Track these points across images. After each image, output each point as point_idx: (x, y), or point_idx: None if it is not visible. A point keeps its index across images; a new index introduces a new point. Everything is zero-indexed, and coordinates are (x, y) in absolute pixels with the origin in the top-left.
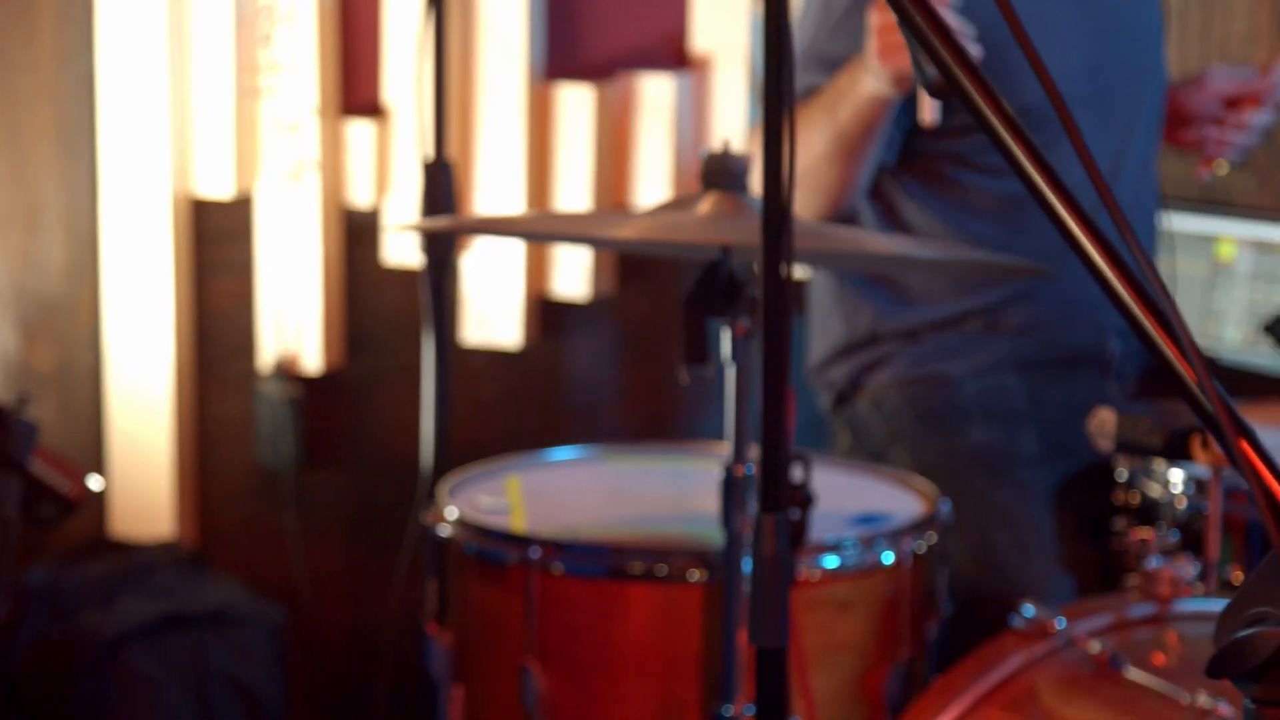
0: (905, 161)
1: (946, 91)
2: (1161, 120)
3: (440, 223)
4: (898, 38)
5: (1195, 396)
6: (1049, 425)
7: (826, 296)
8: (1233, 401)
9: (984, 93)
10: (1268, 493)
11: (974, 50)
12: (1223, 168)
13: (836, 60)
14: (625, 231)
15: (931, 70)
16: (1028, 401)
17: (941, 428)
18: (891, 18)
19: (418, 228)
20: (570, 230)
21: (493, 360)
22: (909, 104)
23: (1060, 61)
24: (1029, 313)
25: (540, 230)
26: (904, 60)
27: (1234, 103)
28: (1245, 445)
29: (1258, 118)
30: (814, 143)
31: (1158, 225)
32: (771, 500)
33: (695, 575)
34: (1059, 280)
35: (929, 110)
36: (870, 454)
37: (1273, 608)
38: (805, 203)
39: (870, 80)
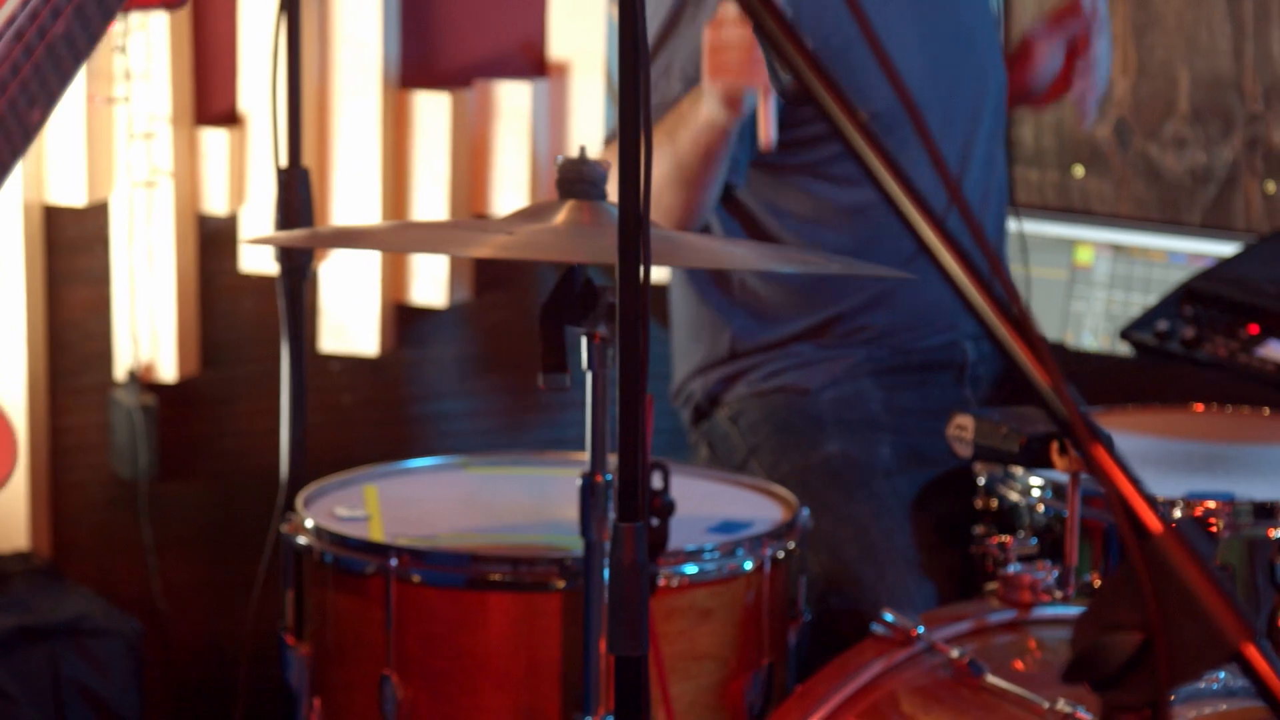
0: (755, 175)
1: (801, 97)
2: (1003, 118)
3: (295, 235)
4: (730, 57)
5: (1050, 403)
6: (907, 432)
7: (686, 321)
8: (1089, 407)
9: (837, 98)
10: (1123, 499)
11: None
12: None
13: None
14: (483, 249)
15: (787, 76)
16: (884, 409)
17: (797, 439)
18: (724, 37)
19: (272, 241)
20: (427, 243)
21: (350, 368)
22: (756, 125)
23: (900, 66)
24: (884, 319)
25: (396, 242)
26: (735, 81)
27: (1070, 49)
28: (1101, 452)
29: (1099, 46)
30: (655, 167)
31: (1004, 224)
32: (630, 508)
33: (554, 584)
34: (913, 286)
35: (766, 131)
36: (729, 467)
37: (1128, 613)
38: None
39: (706, 104)
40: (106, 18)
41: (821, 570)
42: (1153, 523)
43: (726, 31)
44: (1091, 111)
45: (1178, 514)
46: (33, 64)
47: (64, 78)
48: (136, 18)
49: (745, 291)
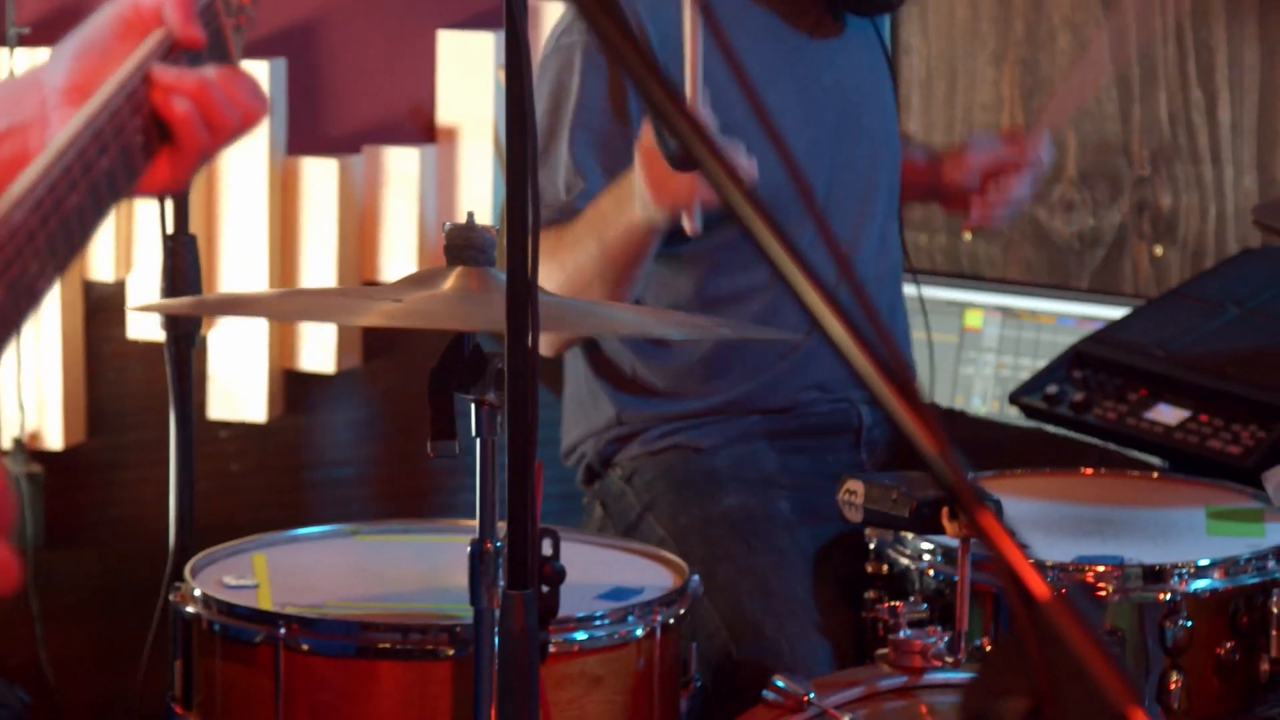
0: (652, 267)
1: (687, 163)
2: (897, 194)
3: (182, 303)
4: (673, 184)
5: (937, 469)
6: (804, 490)
7: (575, 391)
8: (978, 472)
9: (723, 166)
10: (1010, 567)
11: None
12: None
13: (590, 174)
14: (371, 317)
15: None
16: (780, 469)
17: (695, 494)
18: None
19: (159, 308)
20: (315, 311)
21: (239, 435)
22: None
23: (794, 140)
24: (775, 400)
25: (284, 310)
26: (679, 199)
27: (995, 171)
28: (988, 518)
29: (1022, 187)
30: (582, 265)
31: (900, 295)
32: (519, 575)
33: (445, 652)
34: (803, 366)
35: (691, 220)
36: (623, 526)
37: (1017, 680)
38: None
39: (640, 208)
40: (116, 196)
41: (722, 621)
42: (1040, 590)
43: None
44: (978, 230)
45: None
46: (47, 234)
47: (72, 250)
48: None
49: (634, 374)
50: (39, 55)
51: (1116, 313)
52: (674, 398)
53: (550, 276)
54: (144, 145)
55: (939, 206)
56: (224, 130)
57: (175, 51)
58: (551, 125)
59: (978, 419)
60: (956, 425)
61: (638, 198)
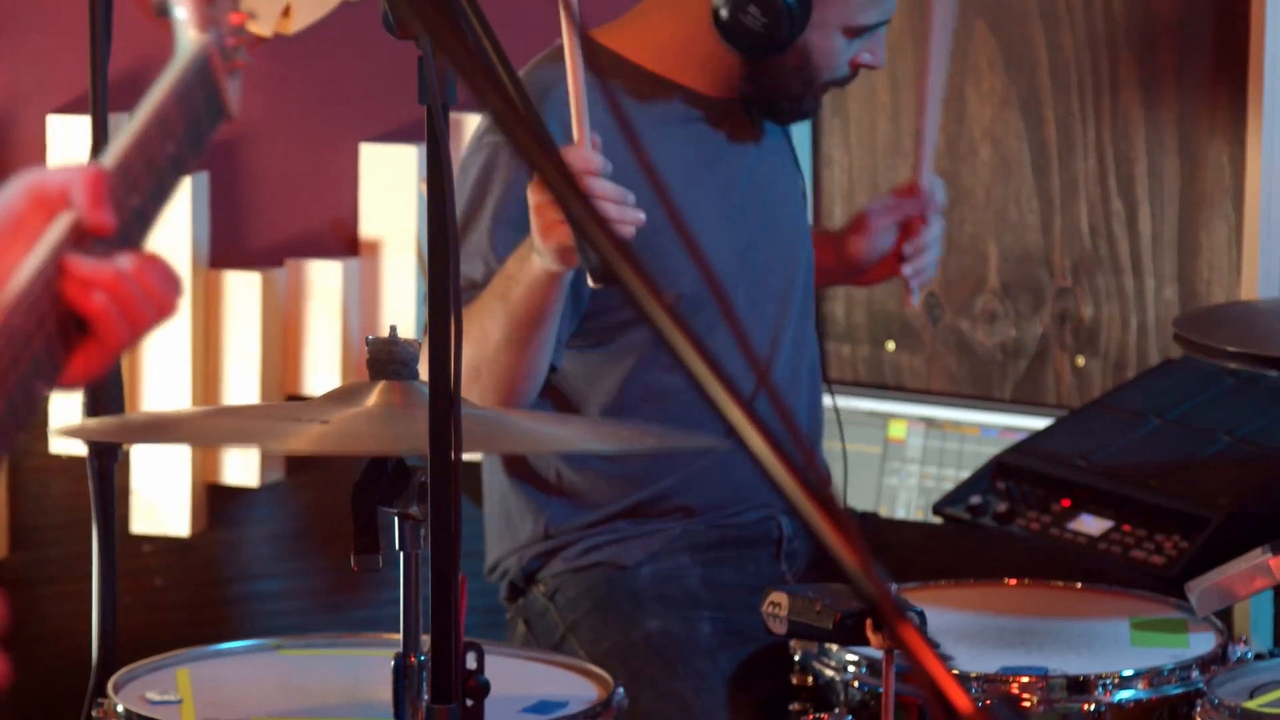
0: (570, 360)
1: (607, 278)
2: (811, 297)
3: (105, 426)
4: (557, 214)
5: (858, 583)
6: (726, 608)
7: (499, 503)
8: (902, 584)
9: (643, 280)
10: (932, 681)
11: (630, 222)
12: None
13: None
14: (298, 442)
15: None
16: (703, 585)
17: (617, 616)
18: (549, 195)
19: (81, 432)
20: (240, 435)
21: (162, 549)
22: (572, 303)
23: (709, 248)
24: (698, 498)
25: (209, 434)
26: (566, 235)
27: (904, 228)
28: (910, 631)
29: (932, 231)
30: (489, 330)
31: (819, 398)
32: (444, 690)
33: None
34: (725, 466)
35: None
36: (546, 645)
37: None
38: (485, 395)
39: (538, 258)
40: (34, 399)
41: None
42: (963, 702)
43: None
44: (915, 293)
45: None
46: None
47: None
48: None
49: (560, 481)
50: None
51: (1039, 423)
52: (600, 503)
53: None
54: (63, 339)
55: (858, 283)
56: (140, 324)
57: (87, 237)
58: (471, 214)
59: (900, 523)
60: (878, 529)
61: (535, 248)
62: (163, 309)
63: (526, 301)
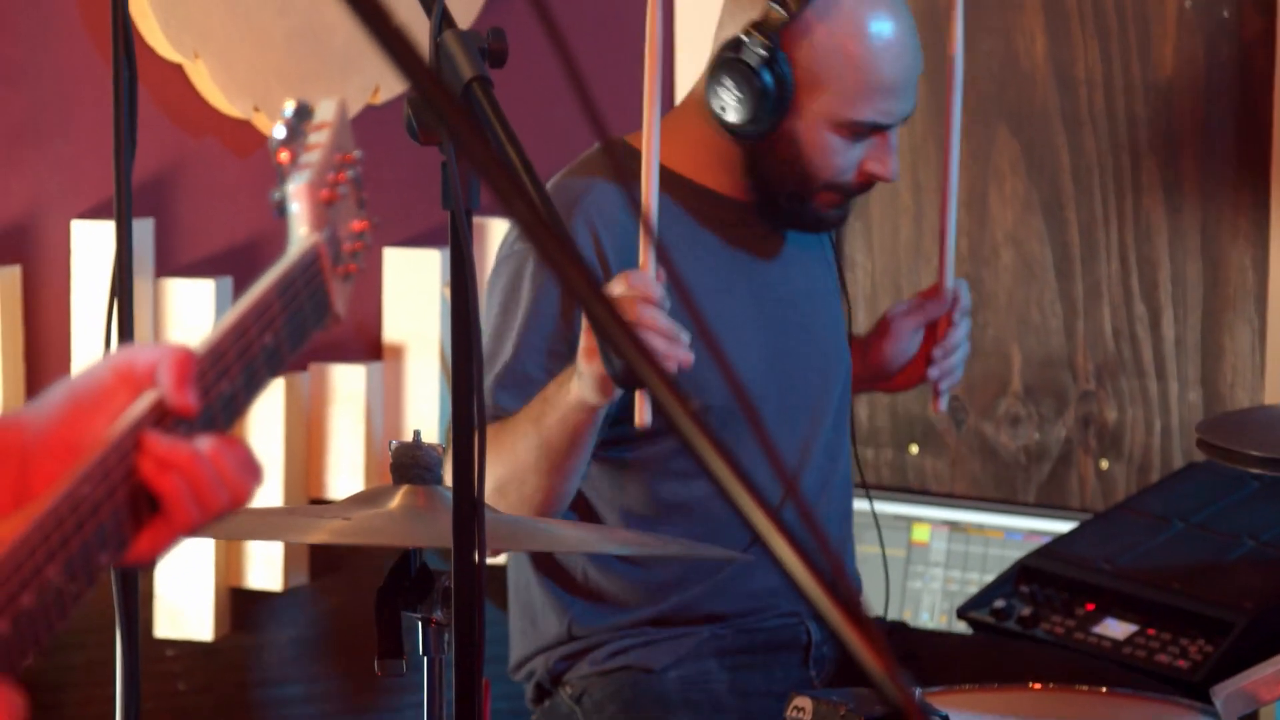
0: (596, 471)
1: (632, 382)
2: (848, 405)
3: None
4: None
5: (883, 689)
6: (752, 713)
7: (524, 604)
8: (925, 689)
9: (668, 387)
10: None
11: (678, 360)
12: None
13: (535, 381)
14: (319, 535)
15: (619, 363)
16: (730, 690)
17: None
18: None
19: None
20: (262, 530)
21: (185, 653)
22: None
23: (742, 358)
24: (725, 605)
25: (231, 530)
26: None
27: (930, 332)
28: None
29: (958, 334)
30: (520, 452)
31: (849, 508)
32: None
33: None
34: (752, 575)
35: (642, 411)
36: None
37: None
38: (511, 512)
39: (577, 385)
40: (94, 569)
41: None
42: None
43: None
44: (944, 396)
45: None
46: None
47: (50, 626)
48: None
49: (586, 583)
50: None
51: (1063, 526)
52: (626, 607)
53: (489, 471)
54: (132, 514)
55: (885, 389)
56: (211, 508)
57: (169, 416)
58: (500, 329)
59: (925, 632)
60: (905, 639)
61: (578, 371)
62: (237, 496)
63: (561, 429)
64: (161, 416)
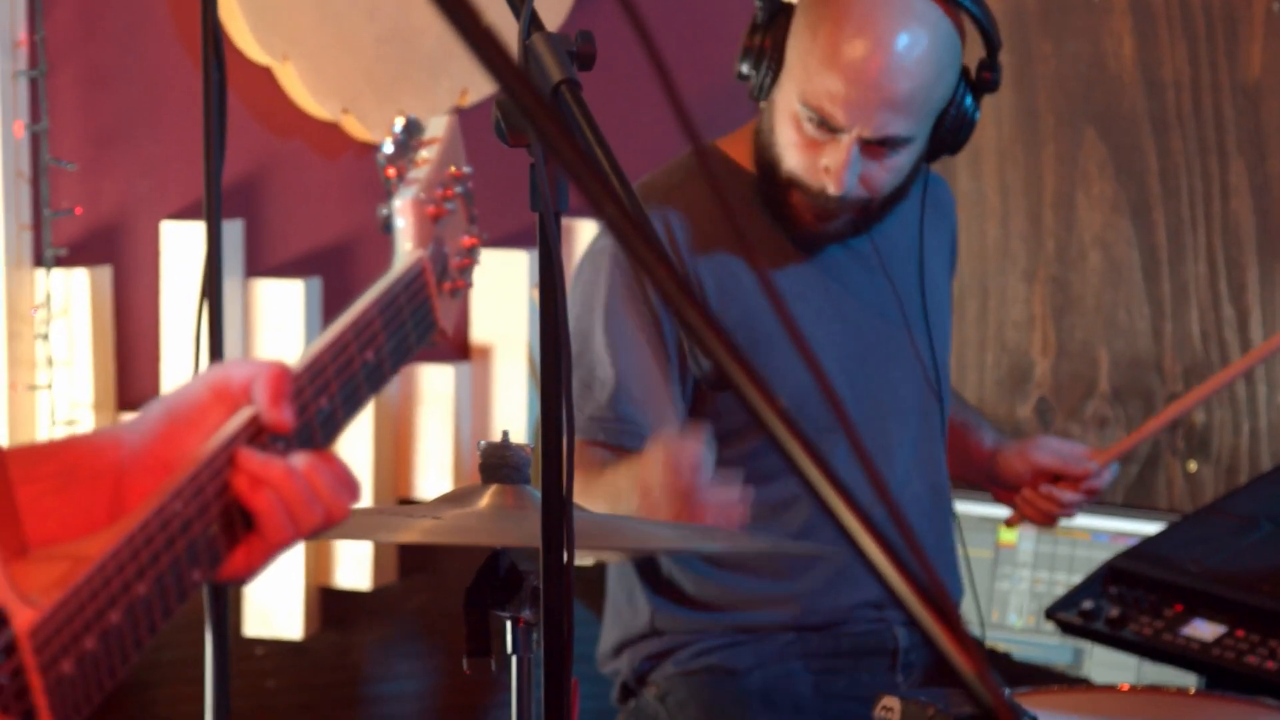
0: None
1: (719, 384)
2: (936, 409)
3: None
4: (658, 507)
5: (974, 689)
6: (834, 717)
7: (618, 585)
8: (1014, 690)
9: (756, 385)
10: None
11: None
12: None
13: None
14: (409, 534)
15: (706, 363)
16: (814, 692)
17: None
18: (649, 483)
19: None
20: (353, 530)
21: (275, 652)
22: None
23: (825, 359)
24: (814, 616)
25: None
26: (667, 518)
27: (1054, 476)
28: None
29: (1070, 498)
30: (597, 508)
31: (949, 515)
32: None
33: None
34: (840, 588)
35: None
36: None
37: None
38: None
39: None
40: (186, 586)
41: None
42: None
43: (655, 483)
44: (1018, 524)
45: None
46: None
47: (139, 642)
48: (59, 304)
49: (670, 581)
50: (76, 276)
51: (1151, 528)
52: (708, 609)
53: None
54: (226, 531)
55: (983, 487)
56: (305, 525)
57: (265, 433)
58: (584, 329)
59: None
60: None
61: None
62: (332, 513)
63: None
64: (257, 433)
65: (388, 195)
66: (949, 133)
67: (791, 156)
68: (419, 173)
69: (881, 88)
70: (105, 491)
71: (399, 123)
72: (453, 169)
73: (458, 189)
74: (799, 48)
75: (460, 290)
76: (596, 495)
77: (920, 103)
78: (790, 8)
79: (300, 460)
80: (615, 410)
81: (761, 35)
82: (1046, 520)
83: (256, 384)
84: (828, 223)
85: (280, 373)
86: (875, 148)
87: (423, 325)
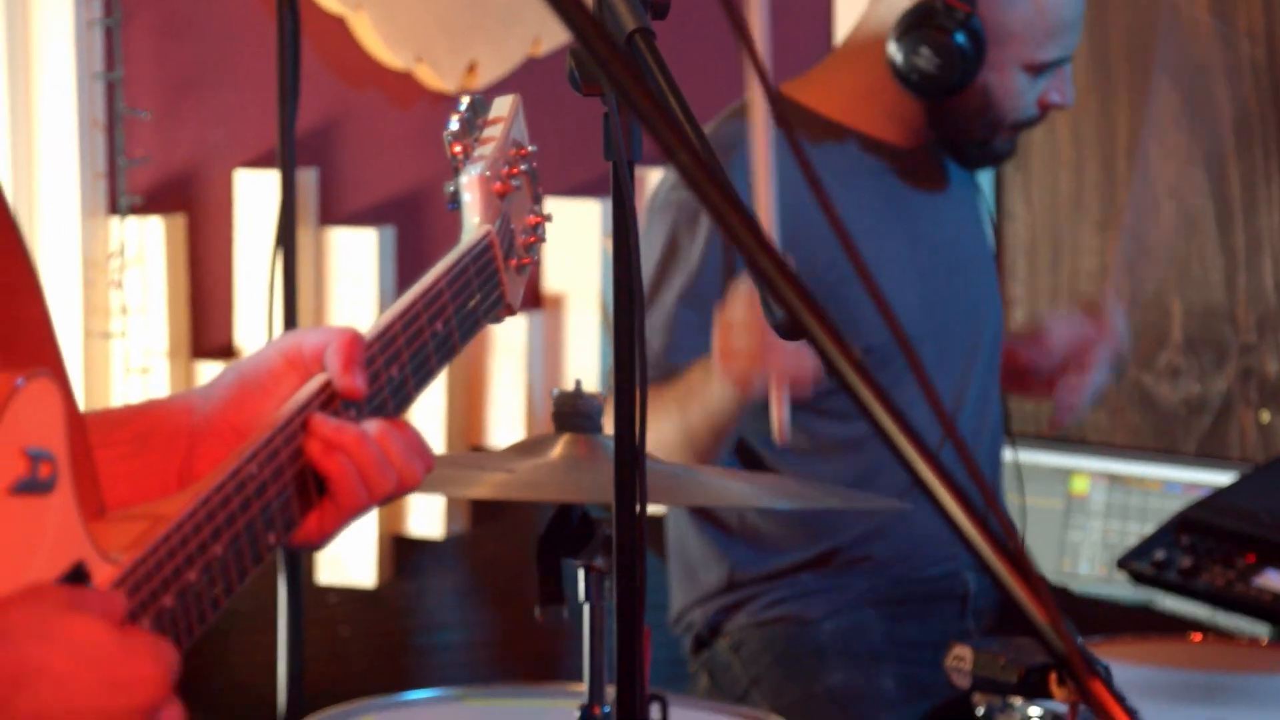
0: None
1: (794, 332)
2: (999, 351)
3: None
4: (736, 342)
5: (1046, 637)
6: (907, 663)
7: (682, 552)
8: (1085, 639)
9: (830, 334)
10: None
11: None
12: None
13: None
14: (482, 489)
15: (780, 312)
16: (886, 640)
17: (800, 670)
18: (734, 324)
19: None
20: (426, 483)
21: (348, 599)
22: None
23: (897, 300)
24: (883, 550)
25: None
26: (748, 370)
27: (1076, 351)
28: (1097, 685)
29: (1100, 365)
30: (664, 432)
31: (1000, 455)
32: None
33: None
34: (911, 518)
35: (781, 427)
36: (730, 698)
37: None
38: None
39: (718, 386)
40: (261, 548)
41: None
42: None
43: (736, 319)
44: (1066, 419)
45: None
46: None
47: (216, 604)
48: (133, 252)
49: (744, 525)
50: (150, 224)
51: (1223, 478)
52: (785, 548)
53: None
54: (300, 495)
55: (1019, 391)
56: (379, 491)
57: (338, 399)
58: (659, 279)
59: (1083, 596)
60: (1063, 599)
61: (717, 377)
62: (404, 480)
63: (703, 422)
64: (330, 399)
65: (454, 172)
66: None
67: (1019, 105)
68: (484, 150)
69: (1079, 8)
70: (177, 457)
71: (464, 101)
72: (517, 148)
73: (522, 167)
74: (1014, 22)
75: (526, 267)
76: (664, 408)
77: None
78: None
79: (373, 426)
80: (668, 360)
81: (951, 39)
82: (1087, 394)
83: (329, 351)
84: (1011, 143)
85: (353, 340)
86: None
87: (490, 299)
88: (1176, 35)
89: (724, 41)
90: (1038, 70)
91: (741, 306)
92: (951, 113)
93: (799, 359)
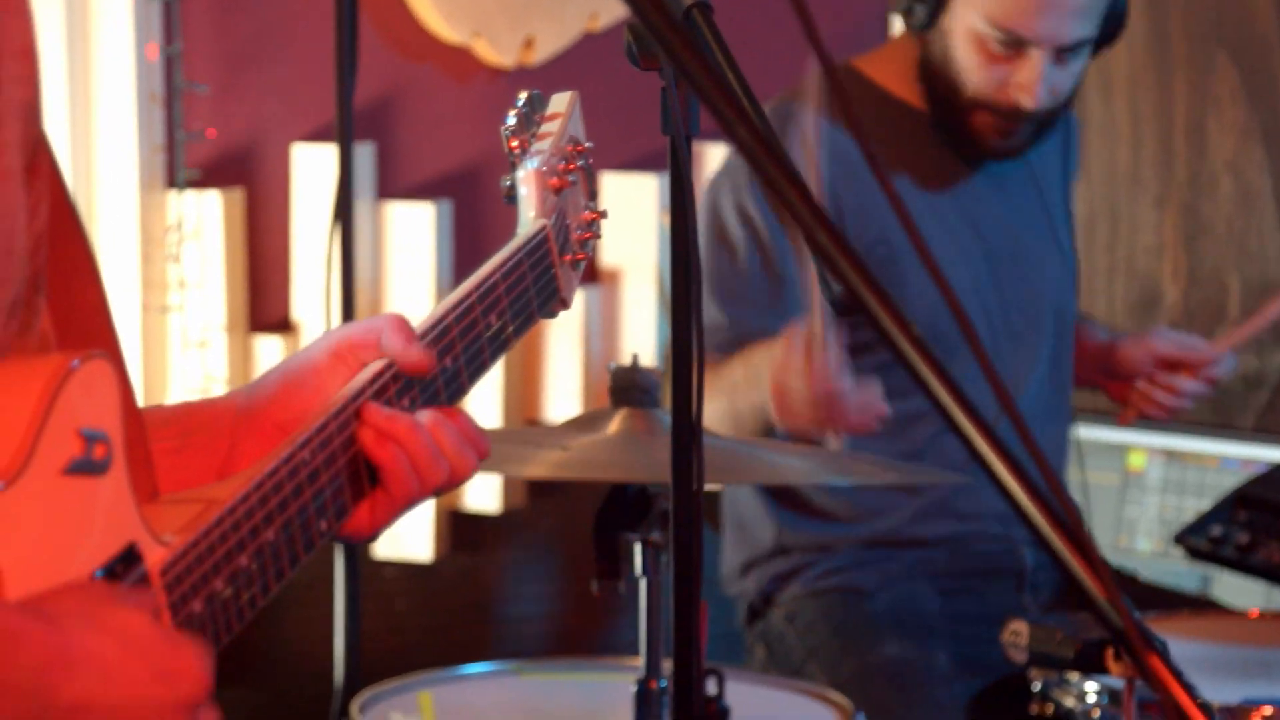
0: None
1: (851, 308)
2: (1067, 341)
3: None
4: (794, 405)
5: (1104, 612)
6: (962, 638)
7: (735, 504)
8: (1143, 615)
9: (888, 309)
10: (1178, 708)
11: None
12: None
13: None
14: (539, 468)
15: (838, 287)
16: (941, 613)
17: (855, 642)
18: (784, 384)
19: None
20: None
21: (405, 574)
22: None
23: (952, 280)
24: (937, 529)
25: None
26: (799, 426)
27: (1171, 365)
28: (1155, 660)
29: (1189, 386)
30: (711, 412)
31: (1066, 441)
32: (684, 714)
33: None
34: (967, 494)
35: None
36: (786, 669)
37: None
38: None
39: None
40: (314, 534)
41: None
42: None
43: (792, 386)
44: (1128, 420)
45: None
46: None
47: (266, 588)
48: (191, 226)
49: (796, 497)
50: (208, 198)
51: None
52: (834, 521)
53: None
54: (352, 483)
55: (1096, 385)
56: (431, 481)
57: (391, 388)
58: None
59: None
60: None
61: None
62: (457, 470)
63: (750, 415)
64: (383, 388)
65: (511, 167)
66: (1112, 24)
67: (977, 77)
68: (541, 145)
69: (1080, 6)
70: (220, 454)
71: (522, 96)
72: (574, 144)
73: (579, 162)
74: None
75: (580, 263)
76: (716, 389)
77: (1097, 1)
78: None
79: (426, 416)
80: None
81: None
82: (1163, 412)
83: (386, 333)
84: (1012, 138)
85: (402, 319)
86: (1059, 54)
87: (545, 293)
88: (1234, 10)
89: (783, 16)
90: (1000, 40)
91: (796, 374)
92: (925, 65)
93: (859, 413)
